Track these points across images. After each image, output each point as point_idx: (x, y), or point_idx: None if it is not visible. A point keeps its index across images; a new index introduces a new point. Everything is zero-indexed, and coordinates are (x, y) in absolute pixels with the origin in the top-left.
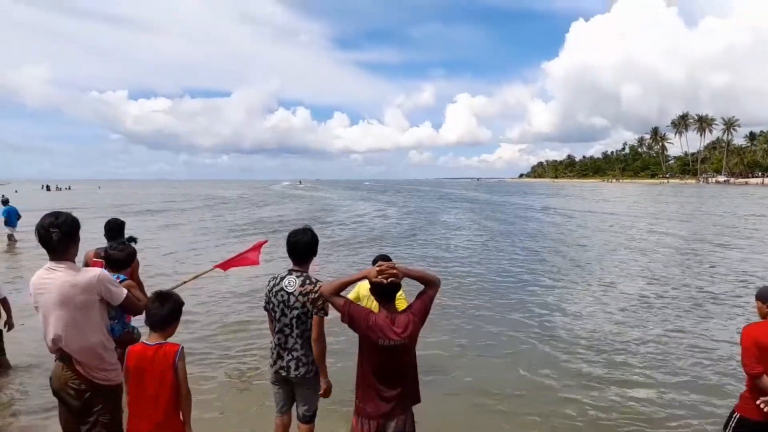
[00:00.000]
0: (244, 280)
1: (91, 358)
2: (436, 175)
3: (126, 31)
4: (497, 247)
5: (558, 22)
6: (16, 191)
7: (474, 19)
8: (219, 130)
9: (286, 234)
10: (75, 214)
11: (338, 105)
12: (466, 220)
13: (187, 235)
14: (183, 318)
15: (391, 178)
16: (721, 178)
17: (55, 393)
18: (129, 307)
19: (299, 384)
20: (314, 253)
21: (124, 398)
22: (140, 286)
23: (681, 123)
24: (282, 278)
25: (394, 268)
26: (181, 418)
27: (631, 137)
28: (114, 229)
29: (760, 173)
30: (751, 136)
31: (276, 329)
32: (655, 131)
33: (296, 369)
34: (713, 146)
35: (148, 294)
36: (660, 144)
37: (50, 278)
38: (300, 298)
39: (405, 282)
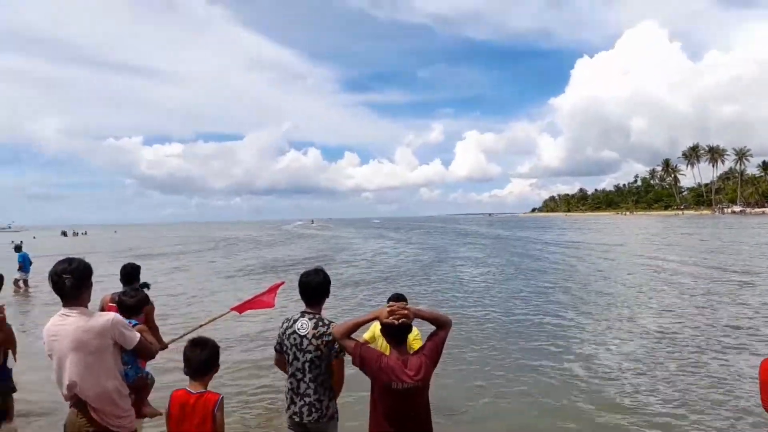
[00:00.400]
0: (260, 322)
1: (106, 404)
2: (448, 212)
3: (139, 79)
4: (513, 284)
5: (562, 60)
6: (34, 237)
7: (479, 59)
8: (231, 173)
9: (298, 274)
10: (91, 258)
11: (348, 145)
12: (480, 257)
13: (199, 277)
14: None
15: (403, 215)
16: (737, 208)
17: None
18: (142, 351)
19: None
20: (326, 294)
21: None
22: (155, 330)
23: (692, 154)
24: (295, 321)
25: (405, 308)
26: None
27: (641, 169)
28: (130, 273)
29: None
30: (765, 166)
31: (289, 374)
32: (666, 163)
33: (309, 415)
34: (726, 176)
35: (184, 342)
36: (672, 176)
37: (64, 324)
38: (313, 341)
39: (419, 323)
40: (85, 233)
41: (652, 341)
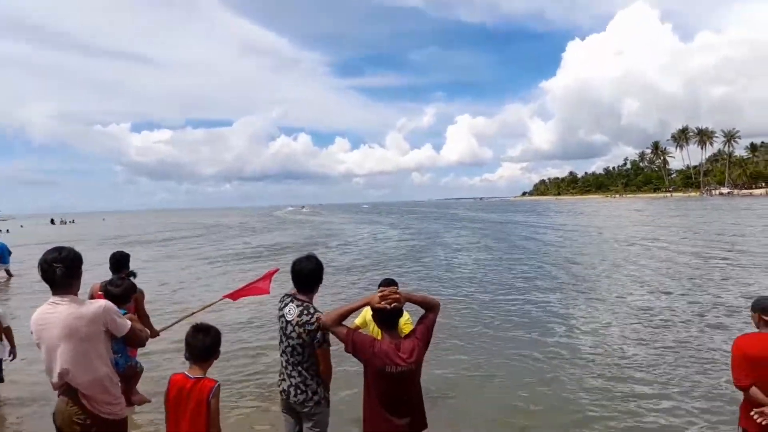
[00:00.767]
0: (253, 308)
1: (98, 391)
2: (439, 196)
3: (128, 64)
4: (503, 266)
5: (553, 42)
6: (21, 226)
7: (471, 42)
8: (221, 159)
9: (288, 260)
10: (78, 246)
11: (339, 130)
12: (470, 240)
13: (189, 264)
14: None
15: (394, 200)
16: (725, 190)
17: (59, 429)
18: (133, 339)
19: (304, 417)
20: (319, 280)
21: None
22: (146, 318)
23: (681, 136)
24: (285, 304)
25: (396, 293)
26: None
27: (632, 152)
28: (119, 261)
29: (763, 184)
30: (752, 147)
31: (280, 352)
32: (655, 145)
33: (294, 396)
34: (715, 158)
35: (175, 330)
36: (661, 158)
37: (54, 312)
38: (296, 328)
39: (408, 307)
40: (73, 221)
41: (637, 320)
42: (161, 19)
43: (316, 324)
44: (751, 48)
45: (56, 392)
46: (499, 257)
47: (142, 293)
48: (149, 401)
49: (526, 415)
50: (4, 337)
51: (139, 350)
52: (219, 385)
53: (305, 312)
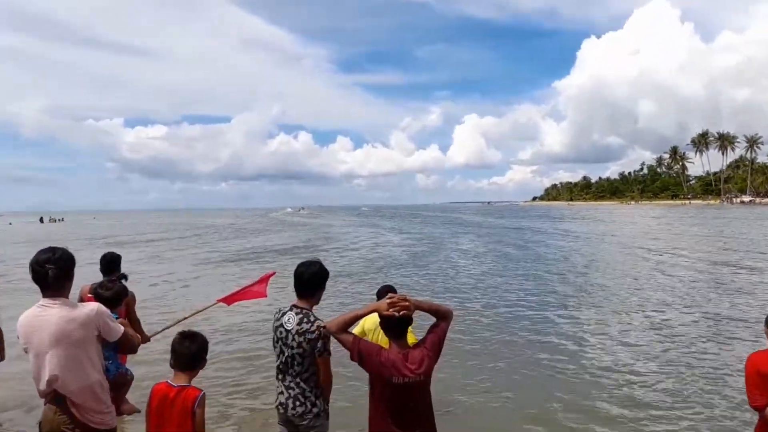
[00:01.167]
0: (247, 314)
1: (89, 398)
2: (445, 199)
3: (122, 57)
4: (511, 274)
5: (568, 40)
6: (10, 223)
7: (480, 38)
8: (217, 157)
9: (284, 263)
10: (67, 245)
11: (341, 129)
12: (478, 247)
13: (182, 266)
14: None
15: (398, 203)
16: (746, 198)
17: None
18: (125, 345)
19: (303, 431)
20: (321, 287)
21: None
22: (137, 323)
23: (701, 141)
24: (283, 314)
25: (405, 300)
26: None
27: (649, 157)
28: (111, 262)
29: None
30: None
31: (276, 365)
32: (674, 150)
33: (293, 408)
34: (736, 165)
35: (166, 336)
36: (680, 163)
37: (44, 315)
38: (297, 337)
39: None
40: (62, 220)
41: (652, 333)
42: (158, 11)
43: (316, 332)
44: None
45: (42, 400)
46: (507, 265)
47: (133, 297)
48: (138, 411)
49: None
50: None
51: (129, 357)
52: (204, 394)
53: (305, 320)
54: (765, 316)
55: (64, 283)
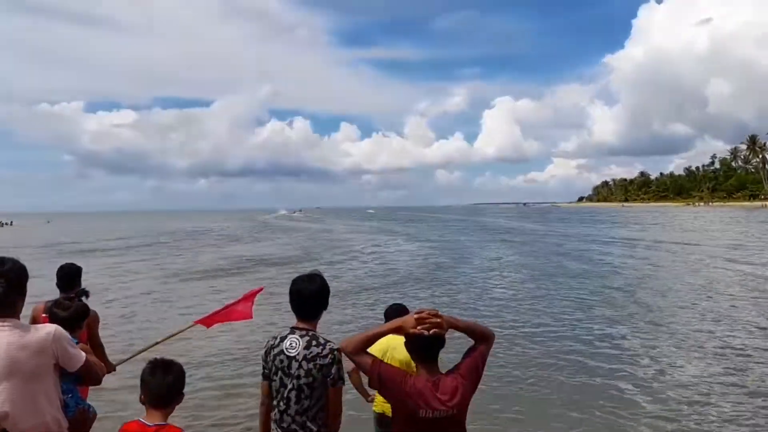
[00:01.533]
0: (232, 338)
1: None
2: (471, 200)
3: (82, 29)
4: (550, 290)
5: (621, 6)
6: None
7: (514, 4)
8: (196, 149)
9: (272, 277)
10: (15, 254)
11: (346, 114)
12: (511, 259)
13: (154, 280)
14: None
15: (414, 204)
16: None
17: None
18: (87, 375)
19: None
20: (324, 305)
21: None
22: (101, 348)
23: None
24: (283, 339)
25: (437, 316)
26: None
27: (721, 148)
28: (69, 275)
29: None
30: None
31: (275, 402)
32: (753, 140)
33: None
34: None
35: (135, 363)
36: (760, 156)
37: None
38: (304, 364)
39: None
40: (10, 223)
41: (724, 363)
42: None
43: (329, 356)
44: None
45: None
46: (545, 280)
47: (96, 317)
48: None
49: None
50: None
51: (90, 390)
52: None
53: (314, 342)
54: None
55: (15, 301)
